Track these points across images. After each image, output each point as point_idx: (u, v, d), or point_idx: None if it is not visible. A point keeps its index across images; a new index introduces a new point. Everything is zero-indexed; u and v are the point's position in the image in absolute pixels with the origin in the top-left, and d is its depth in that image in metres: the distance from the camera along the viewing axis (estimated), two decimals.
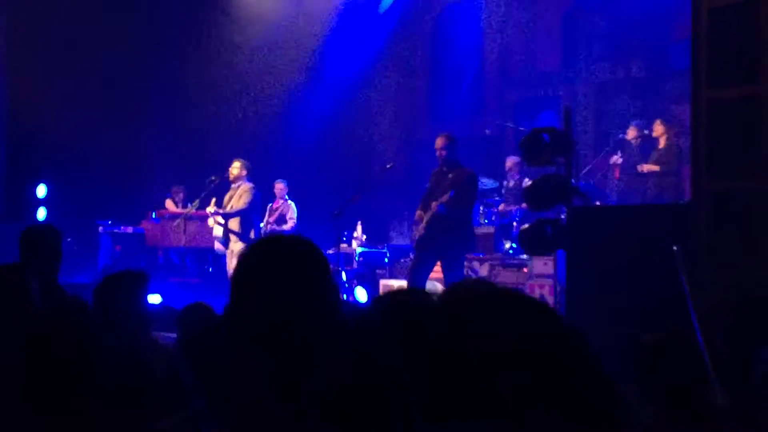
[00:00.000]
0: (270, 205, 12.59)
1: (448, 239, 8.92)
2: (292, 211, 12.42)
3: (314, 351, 1.73)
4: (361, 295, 12.09)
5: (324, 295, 1.79)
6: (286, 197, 12.56)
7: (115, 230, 13.60)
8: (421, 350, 1.21)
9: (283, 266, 1.78)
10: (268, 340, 1.72)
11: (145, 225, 13.90)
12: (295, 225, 12.32)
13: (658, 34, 12.64)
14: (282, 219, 12.41)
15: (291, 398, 1.70)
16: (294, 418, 1.69)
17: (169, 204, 14.01)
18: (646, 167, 10.86)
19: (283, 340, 1.71)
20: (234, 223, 11.32)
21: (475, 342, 1.18)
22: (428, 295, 1.31)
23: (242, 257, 1.84)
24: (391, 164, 9.80)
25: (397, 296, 1.38)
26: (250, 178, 11.59)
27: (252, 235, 11.23)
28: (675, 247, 6.09)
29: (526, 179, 11.74)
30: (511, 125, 13.36)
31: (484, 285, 1.29)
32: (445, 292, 1.27)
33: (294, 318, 1.72)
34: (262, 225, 12.23)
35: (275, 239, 1.91)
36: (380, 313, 1.33)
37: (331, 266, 1.86)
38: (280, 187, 12.58)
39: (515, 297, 1.24)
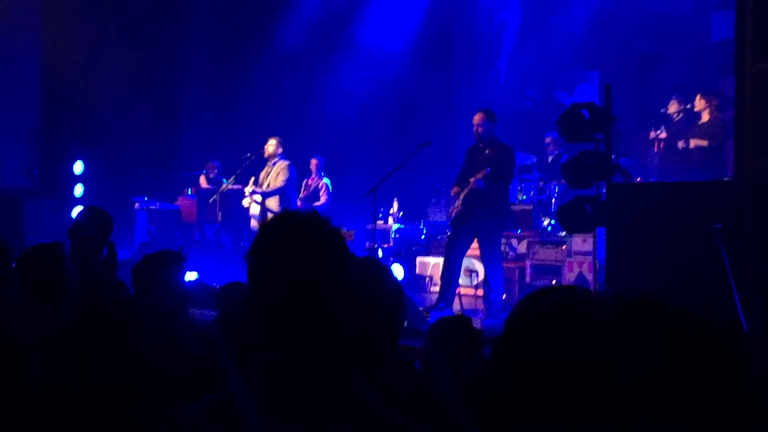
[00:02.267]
0: (305, 180, 12.58)
1: (485, 216, 8.85)
2: (325, 187, 12.39)
3: (331, 329, 1.74)
4: (397, 272, 12.05)
5: (334, 274, 1.76)
6: (321, 173, 12.53)
7: (151, 207, 13.66)
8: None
9: (290, 245, 1.77)
10: (282, 320, 1.73)
11: (180, 201, 13.96)
12: (328, 201, 12.29)
13: (700, 3, 12.43)
14: (315, 195, 12.38)
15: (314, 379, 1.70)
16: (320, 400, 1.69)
17: (203, 180, 14.05)
18: (693, 142, 10.66)
19: (296, 320, 1.72)
20: (273, 202, 11.33)
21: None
22: (588, 294, 1.18)
23: (254, 238, 1.82)
24: (428, 141, 9.70)
25: (553, 294, 1.23)
26: (285, 155, 11.58)
27: None
28: (717, 225, 5.98)
29: (565, 155, 11.62)
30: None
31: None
32: (609, 300, 1.14)
33: (305, 297, 1.72)
34: (298, 203, 12.21)
35: (282, 217, 1.88)
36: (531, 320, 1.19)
37: (346, 243, 1.81)
38: (315, 162, 12.56)
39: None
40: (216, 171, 14.02)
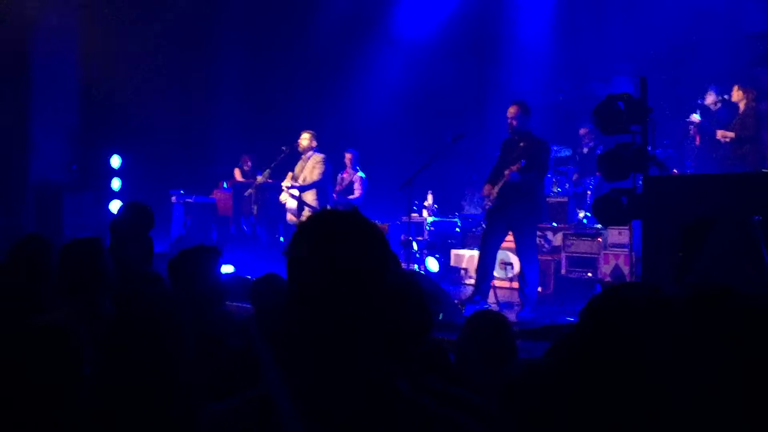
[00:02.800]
0: (340, 174, 12.61)
1: (520, 208, 8.82)
2: (360, 181, 12.40)
3: (371, 328, 1.73)
4: (432, 265, 12.05)
5: (374, 272, 1.76)
6: (356, 167, 12.56)
7: (188, 200, 13.75)
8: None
9: (330, 243, 1.76)
10: (322, 320, 1.72)
11: (216, 194, 14.04)
12: (362, 194, 12.33)
13: None
14: (349, 189, 12.43)
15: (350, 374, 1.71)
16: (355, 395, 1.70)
17: (237, 173, 14.12)
18: (720, 134, 10.56)
19: (337, 318, 1.71)
20: (309, 196, 11.32)
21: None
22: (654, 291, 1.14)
23: (293, 235, 1.84)
24: (462, 133, 9.68)
25: (618, 292, 1.19)
26: (319, 148, 11.60)
27: (328, 206, 11.27)
28: (757, 217, 5.91)
29: (600, 147, 11.55)
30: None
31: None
32: (687, 296, 1.09)
33: (346, 295, 1.71)
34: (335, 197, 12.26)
35: (321, 215, 1.89)
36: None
37: (385, 242, 1.82)
38: (349, 156, 12.59)
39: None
40: (250, 164, 14.09)
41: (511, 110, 9.09)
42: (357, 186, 12.40)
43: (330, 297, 1.71)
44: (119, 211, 5.62)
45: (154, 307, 3.96)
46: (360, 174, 12.48)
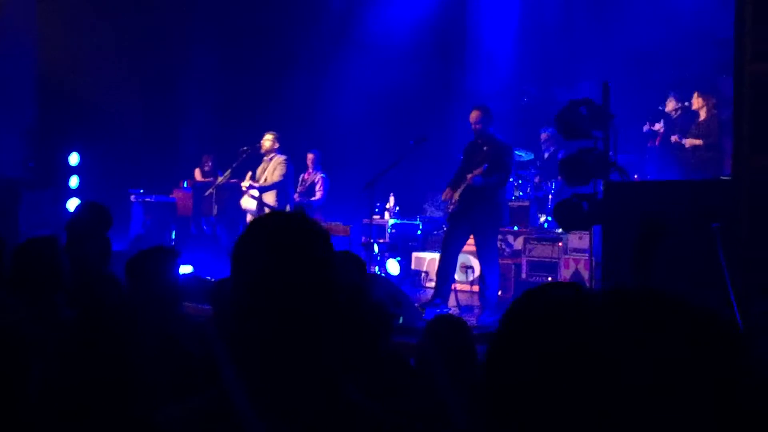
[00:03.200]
0: (302, 175, 12.56)
1: (482, 212, 8.85)
2: (321, 182, 12.36)
3: (315, 331, 1.74)
4: (392, 267, 12.04)
5: (316, 276, 1.77)
6: (318, 168, 12.51)
7: (147, 199, 13.62)
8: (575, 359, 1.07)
9: (270, 245, 1.78)
10: (264, 322, 1.73)
11: (176, 194, 13.93)
12: (324, 196, 12.28)
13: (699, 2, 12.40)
14: (311, 190, 12.36)
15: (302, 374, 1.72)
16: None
17: (197, 173, 14.02)
18: (688, 142, 10.66)
19: (278, 322, 1.73)
20: (270, 197, 11.31)
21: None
22: (581, 290, 1.15)
23: (238, 238, 1.84)
24: (425, 137, 9.71)
25: (548, 290, 1.20)
26: (281, 149, 11.56)
27: (288, 207, 11.25)
28: (715, 224, 5.97)
29: (562, 151, 11.61)
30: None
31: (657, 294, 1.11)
32: (609, 294, 1.10)
33: (287, 299, 1.72)
34: (296, 198, 12.21)
35: (267, 218, 1.90)
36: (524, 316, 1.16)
37: (329, 243, 1.83)
38: (311, 157, 12.54)
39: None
40: (211, 164, 13.99)
41: (473, 115, 9.13)
42: (318, 187, 12.33)
43: (269, 301, 1.71)
44: (76, 210, 5.55)
45: (110, 308, 3.91)
46: (321, 175, 12.42)
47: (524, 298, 1.19)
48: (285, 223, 1.85)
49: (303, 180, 12.52)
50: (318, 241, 1.80)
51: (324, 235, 1.82)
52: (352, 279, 3.45)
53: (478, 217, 8.88)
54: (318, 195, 12.27)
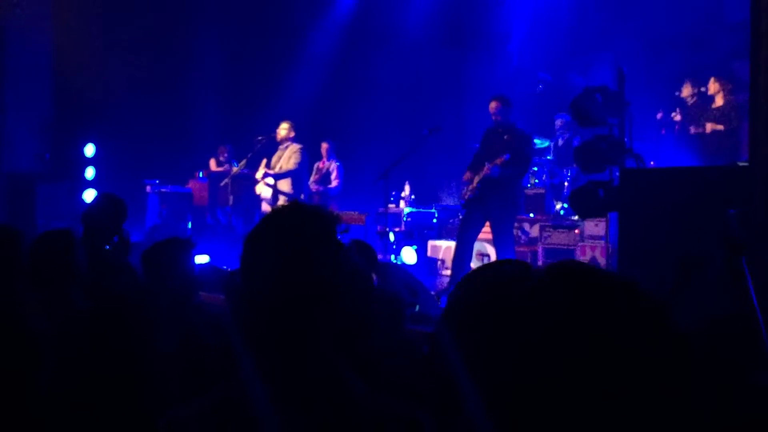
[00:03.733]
0: (316, 164, 12.57)
1: (499, 200, 8.85)
2: (337, 170, 12.39)
3: (318, 322, 1.76)
4: (408, 255, 12.04)
5: (324, 270, 1.79)
6: (333, 157, 12.53)
7: (163, 189, 13.67)
8: (512, 331, 1.12)
9: (282, 239, 1.81)
10: (270, 312, 1.76)
11: (192, 184, 13.97)
12: (340, 184, 12.30)
13: None
14: (327, 178, 12.39)
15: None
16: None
17: (213, 163, 14.05)
18: (709, 126, 10.59)
19: (283, 312, 1.75)
20: (284, 184, 11.37)
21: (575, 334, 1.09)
22: (529, 269, 1.22)
23: (248, 234, 1.88)
24: (439, 126, 9.71)
25: (492, 268, 1.27)
26: (296, 138, 11.58)
27: (302, 195, 11.31)
28: (731, 211, 5.93)
29: (577, 138, 11.57)
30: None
31: (591, 270, 1.18)
32: (547, 271, 1.17)
33: (293, 292, 1.75)
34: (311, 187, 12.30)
35: (282, 210, 1.93)
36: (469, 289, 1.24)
37: (336, 240, 1.85)
38: (325, 146, 12.56)
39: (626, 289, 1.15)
40: (227, 154, 14.03)
41: (492, 105, 9.16)
42: (334, 176, 12.36)
43: (285, 290, 1.74)
44: (92, 202, 5.55)
45: (126, 299, 3.92)
46: (336, 163, 12.45)
47: (480, 269, 1.27)
48: (299, 216, 1.86)
49: (318, 169, 12.54)
50: (330, 234, 1.81)
51: (336, 228, 1.83)
52: (360, 268, 3.46)
53: (494, 206, 8.89)
54: (334, 183, 12.30)
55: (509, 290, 1.15)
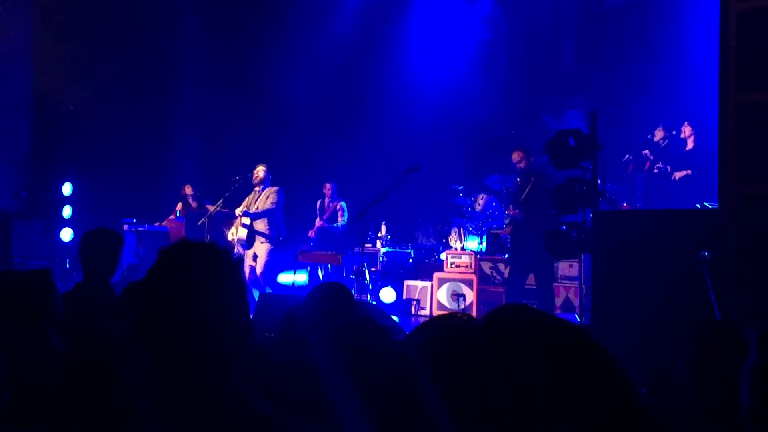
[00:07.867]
0: (319, 202, 13.25)
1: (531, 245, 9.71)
2: (342, 209, 13.07)
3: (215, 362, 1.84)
4: (387, 296, 12.06)
5: (222, 305, 1.89)
6: (337, 196, 13.26)
7: (140, 228, 13.64)
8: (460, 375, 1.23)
9: (184, 273, 1.90)
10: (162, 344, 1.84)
11: (169, 223, 13.96)
12: (346, 222, 12.96)
13: (684, 32, 12.56)
14: (333, 217, 13.10)
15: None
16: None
17: (179, 206, 14.15)
18: (678, 175, 10.78)
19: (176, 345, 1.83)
20: (261, 224, 11.46)
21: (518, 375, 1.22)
22: (472, 320, 1.33)
23: (154, 263, 1.95)
24: (416, 166, 9.81)
25: (442, 320, 1.40)
26: (274, 181, 11.73)
27: (279, 235, 11.48)
28: (703, 252, 6.02)
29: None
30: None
31: (525, 312, 1.29)
32: (486, 318, 1.26)
33: (190, 324, 1.84)
34: (317, 223, 13.06)
35: (182, 245, 2.02)
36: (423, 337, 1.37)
37: (242, 276, 2.01)
38: (329, 186, 13.25)
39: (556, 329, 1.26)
40: (192, 192, 14.16)
41: (515, 156, 10.25)
42: (341, 214, 13.06)
43: (176, 318, 1.84)
44: (85, 240, 5.36)
45: (103, 339, 3.92)
46: (341, 202, 13.11)
47: (428, 322, 1.38)
48: (192, 256, 1.94)
49: (324, 208, 13.21)
50: (222, 273, 1.91)
51: (229, 267, 1.93)
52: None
53: (527, 250, 9.98)
54: (340, 221, 13.01)
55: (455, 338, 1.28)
